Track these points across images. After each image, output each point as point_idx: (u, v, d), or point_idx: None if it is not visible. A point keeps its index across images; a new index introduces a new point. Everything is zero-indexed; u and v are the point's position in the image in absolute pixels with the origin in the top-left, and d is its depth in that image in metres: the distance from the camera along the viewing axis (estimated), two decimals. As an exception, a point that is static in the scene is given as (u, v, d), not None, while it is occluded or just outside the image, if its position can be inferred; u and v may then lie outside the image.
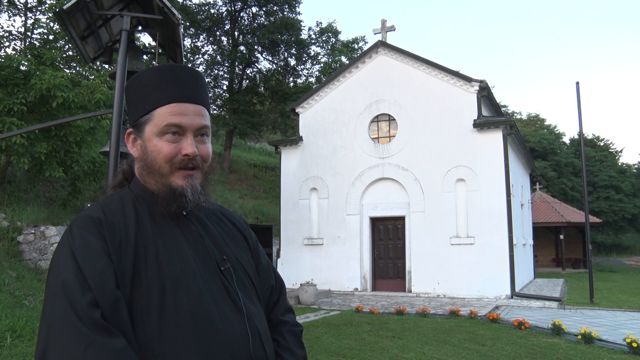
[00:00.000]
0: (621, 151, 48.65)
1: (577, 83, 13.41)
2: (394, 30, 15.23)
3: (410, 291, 13.44)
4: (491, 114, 15.54)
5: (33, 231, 9.71)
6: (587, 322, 9.07)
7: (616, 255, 32.18)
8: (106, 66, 11.73)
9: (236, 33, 24.09)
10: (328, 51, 26.95)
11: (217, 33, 24.20)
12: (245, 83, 25.08)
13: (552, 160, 34.73)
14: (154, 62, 5.28)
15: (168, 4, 3.70)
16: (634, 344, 6.45)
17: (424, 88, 14.09)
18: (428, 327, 8.24)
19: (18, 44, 14.30)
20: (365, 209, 14.47)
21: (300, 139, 15.57)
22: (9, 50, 14.00)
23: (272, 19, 23.73)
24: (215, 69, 24.19)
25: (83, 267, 0.95)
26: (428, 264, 13.26)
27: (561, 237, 25.07)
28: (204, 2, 23.53)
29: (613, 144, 42.12)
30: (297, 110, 15.93)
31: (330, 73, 23.90)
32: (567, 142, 40.29)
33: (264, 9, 23.76)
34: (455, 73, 14.07)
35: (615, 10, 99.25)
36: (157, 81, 1.10)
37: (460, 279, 12.81)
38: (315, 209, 15.01)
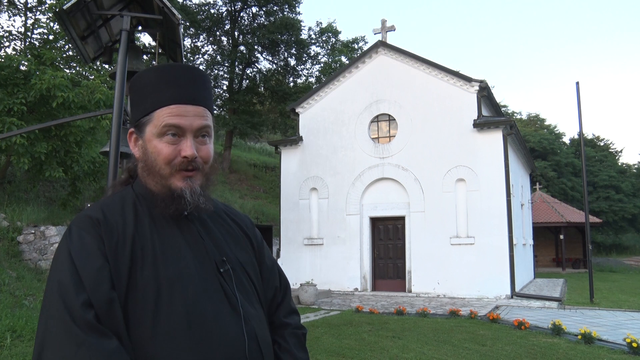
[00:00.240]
0: (621, 151, 48.70)
1: (577, 83, 13.42)
2: (394, 30, 15.24)
3: (410, 291, 13.44)
4: (491, 114, 15.54)
5: (33, 231, 9.71)
6: (587, 322, 9.07)
7: (616, 255, 32.17)
8: (106, 66, 11.73)
9: (236, 33, 24.09)
10: (328, 51, 26.95)
11: (217, 33, 24.20)
12: (245, 83, 25.08)
13: (552, 160, 34.73)
14: (154, 62, 5.28)
15: (168, 4, 3.70)
16: (634, 344, 6.45)
17: (424, 88, 14.09)
18: (428, 327, 8.24)
19: (18, 44, 14.31)
20: (365, 209, 14.47)
21: (300, 139, 15.57)
22: (9, 50, 14.02)
23: (272, 19, 23.72)
24: (215, 69, 24.18)
25: (79, 267, 0.96)
26: (428, 264, 13.26)
27: (561, 237, 25.06)
28: (204, 2, 23.54)
29: (613, 144, 42.17)
30: (297, 110, 15.93)
31: (330, 73, 23.90)
32: (567, 142, 40.29)
33: (264, 9, 23.75)
34: (455, 73, 14.07)
35: (615, 10, 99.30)
36: (158, 81, 1.10)
37: (460, 279, 12.81)
38: (315, 209, 15.01)
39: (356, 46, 28.94)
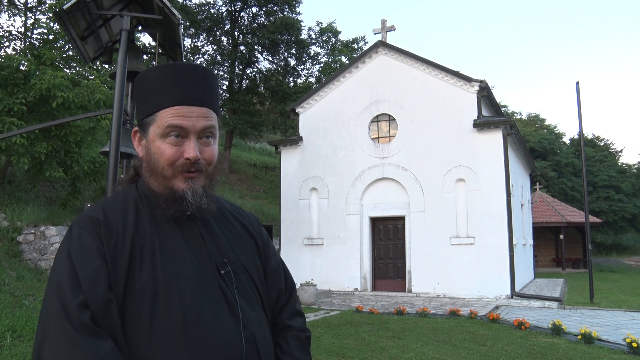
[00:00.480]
0: (621, 151, 48.67)
1: (577, 83, 13.41)
2: (394, 30, 15.24)
3: (410, 291, 13.44)
4: (491, 114, 15.54)
5: (33, 231, 9.71)
6: (587, 322, 9.07)
7: (616, 255, 32.17)
8: (106, 66, 11.73)
9: (236, 33, 24.09)
10: (328, 51, 26.94)
11: (217, 33, 24.20)
12: (245, 83, 25.09)
13: (552, 160, 34.73)
14: (154, 62, 5.28)
15: (168, 4, 3.70)
16: (634, 344, 6.45)
17: (424, 88, 14.09)
18: (428, 327, 8.24)
19: (18, 44, 14.30)
20: (365, 209, 14.47)
21: (300, 139, 15.57)
22: (9, 50, 14.01)
23: (272, 19, 23.72)
24: (215, 69, 24.16)
25: (77, 268, 0.96)
26: (428, 264, 13.26)
27: (561, 237, 25.06)
28: (204, 2, 23.53)
29: (613, 144, 42.09)
30: (297, 110, 15.93)
31: (330, 73, 23.90)
32: (567, 142, 40.28)
33: (264, 9, 23.75)
34: (455, 73, 14.07)
35: (615, 10, 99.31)
36: (162, 81, 1.08)
37: (460, 279, 12.81)
38: (315, 209, 15.01)
39: (356, 46, 28.95)
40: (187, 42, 23.83)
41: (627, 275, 22.21)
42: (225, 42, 24.60)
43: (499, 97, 53.33)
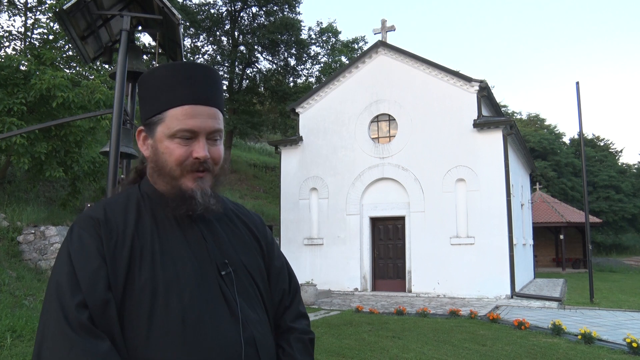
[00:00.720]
0: (621, 151, 48.69)
1: (577, 83, 13.42)
2: (394, 30, 15.24)
3: (410, 291, 13.44)
4: (491, 114, 15.54)
5: (33, 231, 9.70)
6: (587, 322, 9.07)
7: (616, 255, 32.17)
8: (106, 66, 11.72)
9: (236, 33, 24.09)
10: (328, 51, 26.95)
11: (217, 33, 24.20)
12: (245, 83, 25.09)
13: (552, 160, 34.73)
14: (154, 62, 5.28)
15: (168, 4, 3.69)
16: (634, 344, 6.45)
17: (424, 88, 14.09)
18: (428, 327, 8.24)
19: (18, 44, 14.30)
20: (365, 209, 14.47)
21: (300, 139, 15.57)
22: (9, 50, 14.01)
23: (272, 19, 23.72)
24: (215, 69, 24.16)
25: (77, 268, 0.96)
26: (428, 264, 13.26)
27: (561, 237, 25.07)
28: (204, 2, 23.53)
29: (613, 144, 42.10)
30: (297, 110, 15.93)
31: (330, 73, 23.90)
32: (567, 142, 40.28)
33: (264, 9, 23.75)
34: (455, 73, 14.07)
35: (615, 10, 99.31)
36: (171, 80, 1.07)
37: (460, 279, 12.81)
38: (315, 209, 15.01)
39: (356, 46, 28.95)
40: (187, 42, 23.84)
41: (627, 275, 22.21)
42: (225, 42, 24.60)
43: (499, 97, 53.38)
